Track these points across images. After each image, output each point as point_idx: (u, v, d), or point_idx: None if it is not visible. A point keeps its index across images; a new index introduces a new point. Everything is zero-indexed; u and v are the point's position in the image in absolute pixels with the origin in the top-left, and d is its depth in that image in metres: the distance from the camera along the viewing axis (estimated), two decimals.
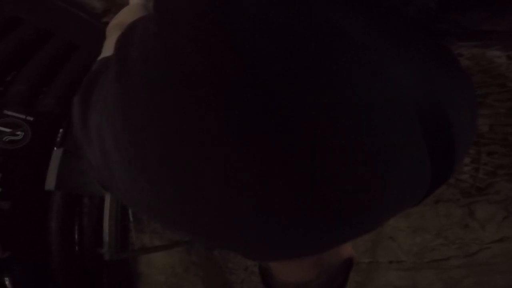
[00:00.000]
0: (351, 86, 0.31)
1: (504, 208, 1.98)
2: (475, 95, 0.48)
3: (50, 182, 1.94)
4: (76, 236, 2.49)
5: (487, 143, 2.15)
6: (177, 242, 2.39)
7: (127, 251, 2.25)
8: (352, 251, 0.52)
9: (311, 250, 0.40)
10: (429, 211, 2.14)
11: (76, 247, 2.47)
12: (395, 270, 2.12)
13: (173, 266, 2.58)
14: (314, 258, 0.48)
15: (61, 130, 2.41)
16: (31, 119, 2.23)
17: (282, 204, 0.31)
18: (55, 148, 2.27)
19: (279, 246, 0.37)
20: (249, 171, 0.30)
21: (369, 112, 0.31)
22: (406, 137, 0.33)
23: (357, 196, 0.32)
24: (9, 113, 2.16)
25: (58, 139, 2.41)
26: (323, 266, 0.49)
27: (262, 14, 0.33)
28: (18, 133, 2.19)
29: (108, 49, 0.61)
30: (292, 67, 0.31)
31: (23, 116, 2.21)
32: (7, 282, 2.13)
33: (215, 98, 0.31)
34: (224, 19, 0.34)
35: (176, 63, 0.33)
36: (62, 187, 1.97)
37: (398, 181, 0.34)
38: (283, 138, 0.30)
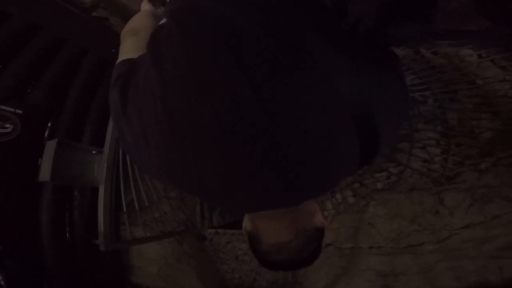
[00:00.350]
0: (307, 94, 0.49)
1: (470, 196, 2.16)
2: (407, 95, 0.68)
3: (45, 173, 1.92)
4: (67, 230, 2.48)
5: (456, 135, 2.36)
6: (169, 232, 2.43)
7: (121, 242, 2.27)
8: (323, 222, 0.69)
9: (279, 202, 0.57)
10: (404, 199, 2.32)
11: (68, 241, 2.46)
12: (375, 255, 2.27)
13: (166, 257, 2.62)
14: (290, 220, 0.64)
15: (50, 123, 2.42)
16: (20, 112, 2.24)
17: (261, 174, 0.50)
18: (46, 140, 2.31)
19: (260, 199, 0.55)
20: (238, 141, 0.48)
21: (316, 111, 0.49)
22: (340, 129, 0.51)
23: (307, 165, 0.51)
24: None
25: (47, 131, 2.41)
26: (299, 230, 0.66)
27: (255, 36, 0.51)
28: (7, 125, 2.20)
29: (125, 52, 0.76)
30: (271, 74, 0.49)
31: (12, 109, 2.22)
32: (0, 279, 2.09)
33: (216, 87, 0.48)
34: (227, 36, 0.51)
35: (195, 63, 0.50)
36: (56, 178, 1.95)
37: (333, 158, 0.53)
38: (263, 124, 0.47)
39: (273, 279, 2.54)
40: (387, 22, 0.61)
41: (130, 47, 0.76)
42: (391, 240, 2.26)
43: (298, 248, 0.67)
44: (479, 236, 2.04)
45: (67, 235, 2.47)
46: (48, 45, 2.48)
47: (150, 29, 0.73)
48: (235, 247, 2.67)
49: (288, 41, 0.51)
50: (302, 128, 0.48)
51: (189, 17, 0.55)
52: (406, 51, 2.54)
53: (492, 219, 2.05)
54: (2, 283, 2.09)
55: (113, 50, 2.69)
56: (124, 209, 2.25)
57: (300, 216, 0.66)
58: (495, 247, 1.97)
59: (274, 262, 0.69)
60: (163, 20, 0.73)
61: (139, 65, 0.60)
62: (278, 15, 0.54)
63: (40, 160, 2.26)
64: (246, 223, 0.72)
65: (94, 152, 2.18)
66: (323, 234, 0.71)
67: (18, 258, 2.18)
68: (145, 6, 1.00)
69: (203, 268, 2.69)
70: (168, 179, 0.59)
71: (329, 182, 0.61)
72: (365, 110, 0.52)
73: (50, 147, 1.98)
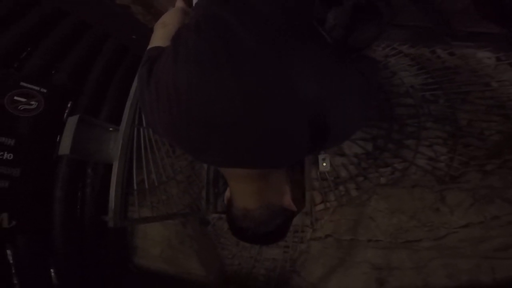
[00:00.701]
0: (271, 93, 0.65)
1: (472, 196, 2.15)
2: (368, 98, 0.77)
3: (65, 147, 2.00)
4: (78, 207, 2.61)
5: (464, 135, 2.35)
6: (174, 214, 2.52)
7: (129, 219, 2.37)
8: (291, 204, 0.81)
9: (242, 162, 0.73)
10: (406, 195, 2.32)
11: (77, 218, 2.59)
12: (372, 248, 2.27)
13: (169, 238, 2.70)
14: (257, 188, 0.78)
15: (70, 103, 2.58)
16: (45, 91, 2.41)
17: (239, 136, 0.67)
18: (66, 118, 2.45)
19: (228, 157, 0.72)
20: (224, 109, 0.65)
21: (276, 106, 0.65)
22: (294, 124, 0.66)
23: (265, 144, 0.68)
24: (25, 84, 2.34)
25: (67, 110, 2.57)
26: (265, 202, 0.79)
27: (247, 41, 0.68)
28: (32, 103, 2.37)
29: (155, 41, 0.93)
30: (252, 71, 0.65)
31: (37, 88, 2.39)
32: (8, 255, 2.23)
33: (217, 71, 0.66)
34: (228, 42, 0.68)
35: (200, 54, 0.68)
36: (75, 152, 2.03)
37: (285, 143, 0.69)
38: (237, 103, 0.64)
39: (271, 267, 2.57)
40: (353, 28, 0.73)
41: (159, 37, 0.93)
42: (390, 235, 2.25)
43: (261, 219, 0.79)
44: (476, 236, 2.02)
45: (78, 213, 2.60)
46: (73, 30, 2.65)
47: (178, 24, 0.97)
48: None
49: (268, 48, 0.67)
50: (264, 118, 0.66)
51: (205, 21, 0.73)
52: (422, 50, 2.57)
53: (491, 220, 2.03)
54: (11, 259, 2.22)
55: (134, 37, 2.87)
56: (135, 187, 2.36)
57: (268, 190, 0.79)
58: (491, 247, 1.96)
59: (239, 228, 0.82)
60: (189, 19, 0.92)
61: (164, 50, 0.79)
62: (268, 24, 0.71)
63: (59, 137, 2.43)
64: (227, 191, 0.86)
65: (111, 129, 2.28)
66: (291, 216, 0.84)
67: (29, 235, 2.31)
68: (179, 4, 1.17)
69: (204, 252, 2.75)
70: (167, 132, 0.75)
71: (281, 161, 0.78)
72: (319, 112, 0.67)
73: (72, 122, 2.06)
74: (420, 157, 2.42)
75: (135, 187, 2.33)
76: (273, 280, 2.51)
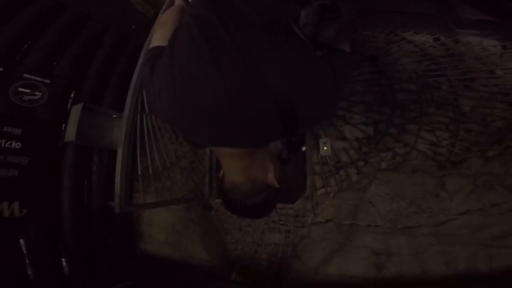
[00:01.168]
0: (247, 87, 0.77)
1: (473, 182, 2.15)
2: (336, 87, 0.87)
3: (71, 134, 2.11)
4: (85, 194, 2.68)
5: (467, 121, 2.34)
6: (178, 199, 2.58)
7: (135, 205, 2.43)
8: (273, 181, 0.94)
9: (227, 143, 0.86)
10: (406, 180, 2.33)
11: (85, 206, 2.66)
12: (372, 233, 2.30)
13: (174, 224, 2.77)
14: (243, 165, 0.90)
15: (73, 93, 2.63)
16: (48, 81, 2.47)
17: (218, 122, 0.80)
18: (70, 108, 2.50)
19: (216, 137, 0.85)
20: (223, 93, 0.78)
21: (248, 92, 0.77)
22: (265, 109, 0.78)
23: (242, 127, 0.81)
24: (28, 76, 2.39)
25: (71, 100, 2.63)
26: (250, 177, 0.91)
27: (228, 40, 0.80)
28: (36, 93, 2.42)
29: (155, 41, 1.04)
30: (232, 61, 0.79)
31: (40, 79, 2.44)
32: (22, 243, 2.31)
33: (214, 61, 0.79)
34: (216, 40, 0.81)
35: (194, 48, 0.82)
36: (81, 139, 2.14)
37: (259, 128, 0.82)
38: (220, 88, 0.78)
39: (273, 252, 2.64)
40: (321, 26, 0.84)
41: (158, 38, 1.05)
42: (389, 220, 2.28)
43: (246, 192, 0.91)
44: (475, 223, 2.03)
45: (85, 200, 2.67)
46: (73, 22, 2.66)
47: (175, 24, 1.08)
48: (239, 218, 2.78)
49: (243, 45, 0.79)
50: (242, 105, 0.78)
51: (194, 23, 0.85)
52: (426, 37, 2.54)
53: (491, 207, 2.03)
54: (24, 247, 2.30)
55: (133, 27, 2.86)
56: (139, 172, 2.41)
57: (253, 167, 0.92)
58: (489, 235, 1.97)
59: (228, 201, 0.94)
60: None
61: (163, 50, 0.89)
62: (246, 23, 0.83)
63: (64, 125, 2.48)
64: (221, 171, 0.98)
65: (114, 116, 2.36)
66: (274, 194, 0.95)
67: (40, 224, 2.39)
68: (178, 1, 1.25)
69: (207, 237, 2.82)
70: (167, 118, 0.89)
71: (258, 141, 0.89)
72: (287, 99, 0.79)
73: (76, 110, 2.16)
74: (422, 142, 2.42)
75: (139, 172, 2.40)
76: (275, 264, 2.58)
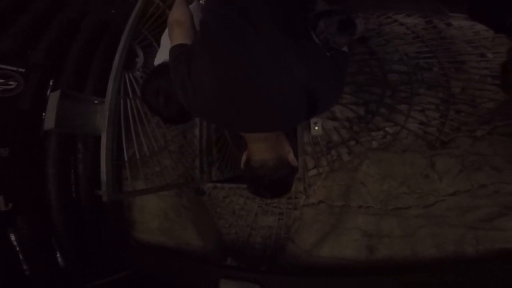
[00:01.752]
0: (277, 73, 0.90)
1: (461, 163, 2.18)
2: (342, 81, 1.02)
3: (50, 121, 2.03)
4: (73, 184, 2.62)
5: (457, 102, 2.35)
6: (168, 184, 2.55)
7: (123, 192, 2.40)
8: (294, 160, 1.09)
9: (260, 128, 1.00)
10: (397, 159, 2.35)
11: (73, 195, 2.60)
12: (363, 214, 2.33)
13: (165, 211, 2.74)
14: (270, 145, 1.04)
15: (52, 81, 2.49)
16: (23, 70, 2.34)
17: (254, 112, 0.94)
18: (48, 94, 2.40)
19: (252, 125, 0.99)
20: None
21: (282, 84, 0.90)
22: (296, 97, 0.91)
23: (275, 113, 0.95)
24: (1, 66, 2.26)
25: (50, 88, 2.49)
26: (276, 155, 1.05)
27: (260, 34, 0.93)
28: (11, 83, 2.30)
29: (176, 39, 1.16)
30: (265, 61, 0.91)
31: (14, 68, 2.31)
32: (12, 238, 2.26)
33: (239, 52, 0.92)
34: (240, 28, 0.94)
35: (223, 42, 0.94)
36: (61, 126, 2.06)
37: (289, 114, 0.96)
38: (256, 84, 0.91)
39: (267, 235, 2.68)
40: (335, 34, 0.99)
41: (180, 35, 1.17)
42: (380, 201, 2.31)
43: (275, 166, 1.04)
44: (463, 205, 2.08)
45: (73, 190, 2.61)
46: (49, 8, 2.49)
47: (190, 20, 1.23)
48: (232, 201, 2.79)
49: (272, 45, 0.92)
50: (275, 96, 0.91)
51: (224, 26, 0.96)
52: (418, 20, 2.51)
53: (478, 188, 2.08)
54: (15, 243, 2.26)
55: (113, 11, 2.69)
56: (126, 158, 2.36)
57: (278, 146, 1.06)
58: (476, 217, 2.02)
59: (258, 178, 1.06)
60: (199, 11, 1.27)
61: (195, 49, 1.00)
62: (270, 26, 0.94)
63: (43, 114, 2.37)
64: (244, 156, 1.11)
65: (96, 102, 2.27)
66: (294, 170, 1.11)
67: (28, 216, 2.34)
68: None
69: (201, 223, 2.82)
70: (203, 112, 1.02)
71: (287, 125, 1.07)
72: (311, 88, 0.93)
73: (54, 97, 2.07)
74: (412, 122, 2.43)
75: (126, 158, 2.34)
76: (269, 247, 2.63)
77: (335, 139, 2.64)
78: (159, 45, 2.57)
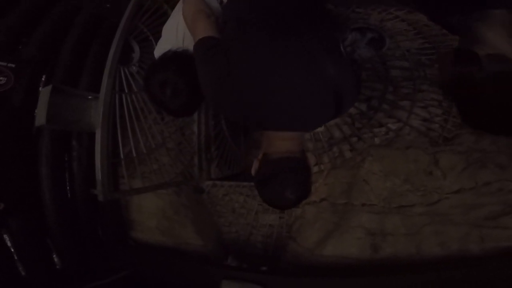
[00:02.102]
0: (309, 71, 1.00)
1: (465, 160, 2.16)
2: (359, 86, 1.29)
3: (41, 117, 1.98)
4: (67, 183, 2.53)
5: None
6: (166, 183, 2.49)
7: (120, 191, 2.34)
8: (310, 161, 1.19)
9: (292, 127, 1.09)
10: (400, 156, 2.31)
11: (68, 194, 2.51)
12: (366, 212, 2.30)
13: (164, 209, 2.68)
14: (296, 143, 1.09)
15: (44, 76, 2.39)
16: (13, 65, 2.25)
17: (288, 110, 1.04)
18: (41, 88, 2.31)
19: (286, 123, 1.07)
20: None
21: (315, 82, 1.01)
22: (327, 95, 1.02)
23: (307, 112, 1.06)
24: None
25: (42, 84, 2.39)
26: (300, 147, 1.11)
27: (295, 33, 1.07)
28: (1, 78, 2.21)
29: (205, 30, 1.15)
30: (296, 61, 1.01)
31: (4, 63, 2.22)
32: (6, 239, 2.19)
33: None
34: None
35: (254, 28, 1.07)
36: (52, 122, 2.00)
37: (321, 114, 1.10)
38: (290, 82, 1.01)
39: (268, 233, 2.65)
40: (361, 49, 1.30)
41: (209, 27, 1.17)
42: (383, 199, 2.28)
43: (299, 158, 1.09)
44: (467, 203, 2.06)
45: (67, 188, 2.52)
46: (40, 2, 2.40)
47: (209, 9, 1.28)
48: (232, 199, 2.74)
49: (305, 50, 1.00)
50: (310, 96, 1.00)
51: (261, 26, 1.06)
52: (419, 16, 2.47)
53: (483, 186, 2.06)
54: (9, 243, 2.19)
55: (108, 5, 2.60)
56: (122, 156, 2.29)
57: (301, 143, 1.12)
58: (480, 215, 2.00)
59: (282, 169, 1.06)
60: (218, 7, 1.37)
61: (229, 43, 1.06)
62: (301, 32, 1.05)
63: (36, 111, 2.28)
64: (254, 163, 1.15)
65: (90, 97, 2.20)
66: (310, 171, 1.15)
67: (21, 216, 2.26)
68: None
69: (200, 221, 2.76)
70: (239, 109, 1.06)
71: (316, 125, 1.25)
72: (338, 85, 1.02)
73: (45, 92, 2.01)
74: (415, 118, 2.40)
75: (122, 156, 2.27)
76: (270, 246, 2.59)
77: (337, 135, 2.60)
78: (156, 38, 2.50)
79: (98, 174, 2.07)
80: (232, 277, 2.18)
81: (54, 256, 2.38)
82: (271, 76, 0.97)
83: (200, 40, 1.13)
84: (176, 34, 1.44)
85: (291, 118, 1.03)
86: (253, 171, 1.16)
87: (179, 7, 1.47)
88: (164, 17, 2.45)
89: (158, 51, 1.51)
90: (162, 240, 2.60)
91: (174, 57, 1.32)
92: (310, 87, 0.98)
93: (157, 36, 1.98)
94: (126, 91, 2.44)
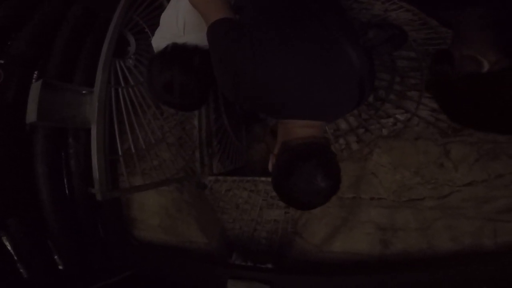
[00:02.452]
0: (338, 61, 1.02)
1: (477, 151, 2.09)
2: (374, 77, 1.16)
3: (32, 114, 1.86)
4: (65, 181, 2.47)
5: None
6: (167, 179, 2.40)
7: (119, 190, 2.25)
8: None
9: (317, 117, 1.05)
10: (409, 147, 2.24)
11: (66, 193, 2.45)
12: (375, 207, 2.25)
13: (166, 207, 2.61)
14: (318, 130, 1.04)
15: (36, 72, 2.32)
16: (2, 61, 2.17)
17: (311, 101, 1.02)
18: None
19: (312, 113, 1.04)
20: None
21: (343, 72, 1.02)
22: (353, 83, 1.03)
23: (333, 102, 1.06)
24: None
25: (34, 79, 2.30)
26: (322, 134, 1.06)
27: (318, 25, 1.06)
28: None
29: (218, 9, 1.06)
30: (319, 56, 1.00)
31: None
32: (6, 242, 2.15)
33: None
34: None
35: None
36: (45, 119, 1.89)
37: (346, 99, 1.07)
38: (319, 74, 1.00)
39: (273, 229, 2.58)
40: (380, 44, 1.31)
41: (227, 9, 1.08)
42: (393, 192, 2.22)
43: (322, 142, 1.04)
44: (480, 196, 2.00)
45: (66, 187, 2.46)
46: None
47: None
48: (235, 195, 2.66)
49: (333, 39, 1.02)
50: (336, 85, 1.00)
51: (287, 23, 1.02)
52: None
53: (495, 178, 2.00)
54: (9, 246, 2.14)
55: None
56: (120, 153, 2.20)
57: (322, 132, 1.09)
58: (493, 208, 1.95)
59: (307, 155, 0.97)
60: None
61: (251, 29, 1.00)
62: (328, 25, 1.04)
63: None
64: (271, 158, 1.08)
65: (84, 92, 2.09)
66: (336, 157, 1.09)
67: (20, 218, 2.21)
68: None
69: (203, 218, 2.70)
70: (262, 93, 1.00)
71: (339, 115, 1.37)
72: (362, 77, 1.03)
73: (36, 87, 1.89)
74: (423, 109, 2.31)
75: (120, 153, 2.19)
76: (276, 242, 2.52)
77: (343, 127, 2.51)
78: (152, 30, 2.39)
79: (95, 173, 1.94)
80: (238, 276, 2.13)
81: (56, 257, 2.34)
82: (302, 66, 0.94)
83: (220, 20, 1.03)
84: (176, 22, 1.35)
85: (319, 108, 1.01)
86: (270, 167, 1.07)
87: None
88: (160, 9, 2.33)
89: (155, 41, 1.45)
90: (165, 238, 2.54)
91: (176, 53, 1.24)
92: (340, 79, 0.98)
93: (153, 28, 1.86)
94: (123, 84, 2.34)
